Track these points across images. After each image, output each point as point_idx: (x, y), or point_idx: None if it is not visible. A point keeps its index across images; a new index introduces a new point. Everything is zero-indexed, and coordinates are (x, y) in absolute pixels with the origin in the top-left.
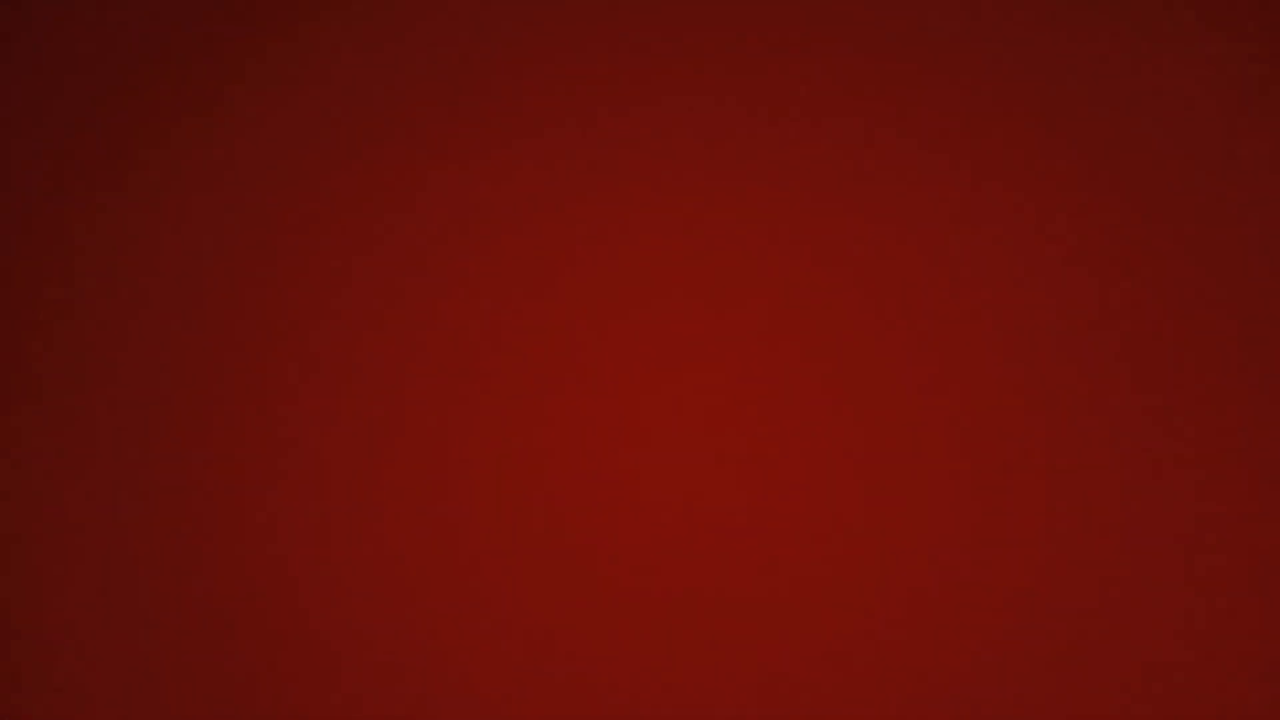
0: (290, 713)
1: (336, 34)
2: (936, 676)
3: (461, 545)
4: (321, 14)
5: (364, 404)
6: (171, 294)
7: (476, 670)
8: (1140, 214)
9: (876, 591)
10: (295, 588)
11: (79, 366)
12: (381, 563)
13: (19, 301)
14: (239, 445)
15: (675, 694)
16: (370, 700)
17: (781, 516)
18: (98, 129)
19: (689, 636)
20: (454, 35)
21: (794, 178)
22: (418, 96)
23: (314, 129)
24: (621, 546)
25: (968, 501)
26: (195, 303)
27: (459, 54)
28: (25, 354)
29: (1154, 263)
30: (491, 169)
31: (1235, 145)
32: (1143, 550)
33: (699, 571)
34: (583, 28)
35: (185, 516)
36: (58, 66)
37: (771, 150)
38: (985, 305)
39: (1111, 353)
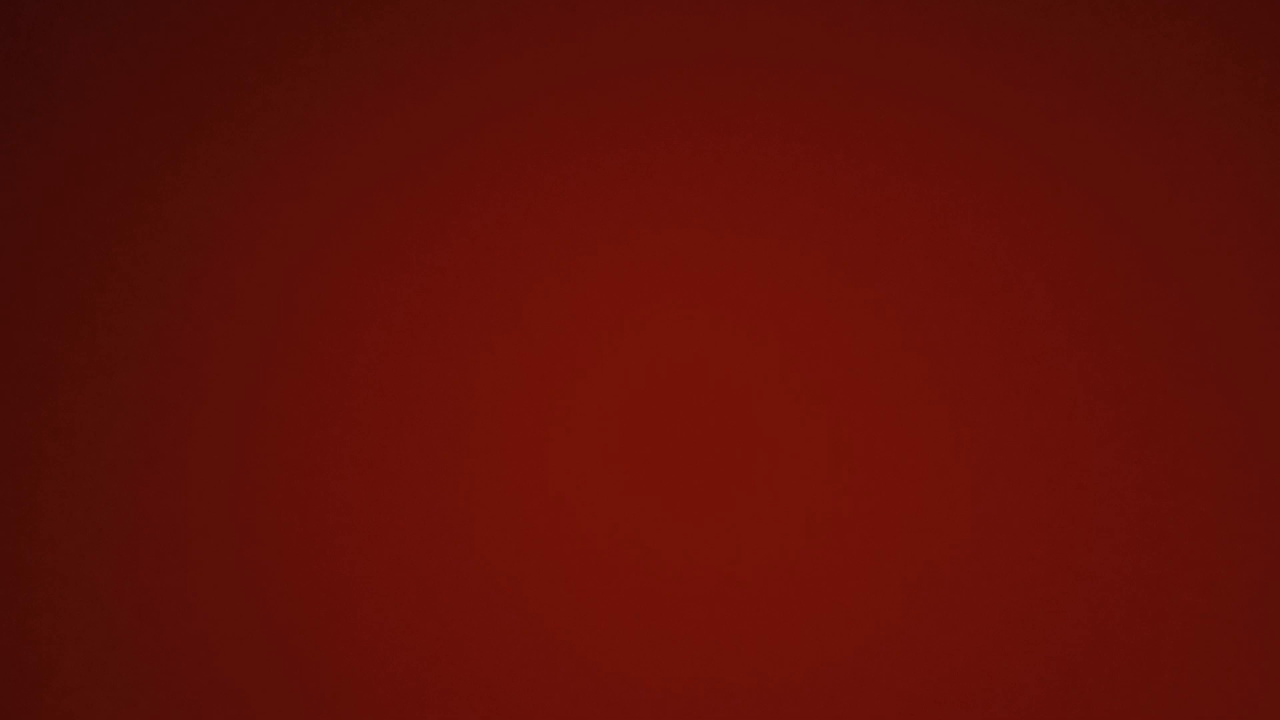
0: (294, 713)
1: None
2: (931, 678)
3: (462, 545)
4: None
5: (369, 406)
6: (167, 293)
7: (475, 668)
8: (1137, 216)
9: (875, 592)
10: (293, 588)
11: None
12: (384, 563)
13: None
14: (239, 445)
15: (675, 691)
16: (371, 700)
17: (780, 516)
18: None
19: (692, 636)
20: (466, 39)
21: (793, 181)
22: (420, 98)
23: (314, 130)
24: (621, 546)
25: (964, 502)
26: (197, 304)
27: (464, 56)
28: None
29: (1151, 264)
30: (492, 170)
31: (1232, 149)
32: (1138, 550)
33: (700, 571)
34: (589, 28)
35: (185, 519)
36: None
37: (769, 154)
38: (983, 306)
39: (1106, 353)
